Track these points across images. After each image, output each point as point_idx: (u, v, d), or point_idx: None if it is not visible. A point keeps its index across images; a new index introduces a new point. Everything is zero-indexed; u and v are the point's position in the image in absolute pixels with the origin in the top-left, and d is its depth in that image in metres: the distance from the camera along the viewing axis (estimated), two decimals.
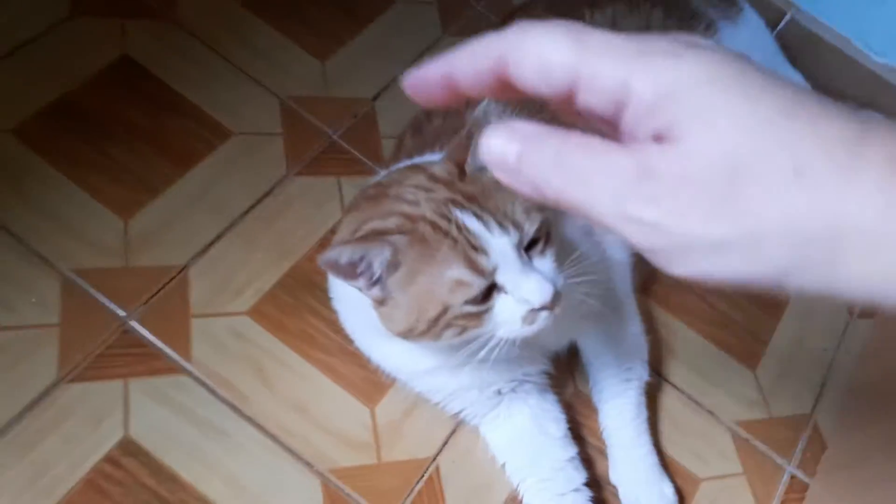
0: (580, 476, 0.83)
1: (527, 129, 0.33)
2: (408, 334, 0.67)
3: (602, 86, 0.30)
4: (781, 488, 0.95)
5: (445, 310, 0.63)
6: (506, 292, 0.64)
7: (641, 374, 0.90)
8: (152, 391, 0.80)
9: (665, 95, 0.29)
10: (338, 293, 0.83)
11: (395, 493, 0.82)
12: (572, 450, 0.84)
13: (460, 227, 0.62)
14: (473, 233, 0.62)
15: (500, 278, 0.63)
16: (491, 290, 0.64)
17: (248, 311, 0.87)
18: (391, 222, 0.64)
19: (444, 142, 0.80)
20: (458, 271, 0.62)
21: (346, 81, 1.07)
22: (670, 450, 0.93)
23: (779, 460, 0.97)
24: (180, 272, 0.87)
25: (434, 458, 0.85)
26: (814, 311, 1.09)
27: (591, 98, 0.31)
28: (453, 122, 0.84)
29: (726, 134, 0.28)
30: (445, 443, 0.86)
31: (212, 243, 0.90)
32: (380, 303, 0.67)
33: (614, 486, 0.87)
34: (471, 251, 0.62)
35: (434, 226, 0.63)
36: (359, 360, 0.86)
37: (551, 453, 0.83)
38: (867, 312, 1.11)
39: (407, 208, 0.65)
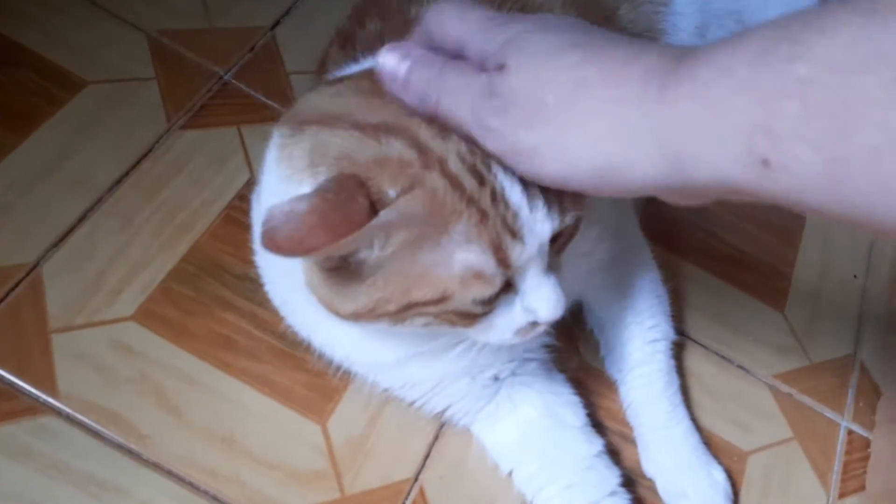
0: (613, 474, 0.63)
1: (417, 52, 0.43)
2: (362, 316, 0.46)
3: (475, 49, 0.41)
4: (840, 447, 0.77)
5: (442, 299, 0.43)
6: (514, 293, 0.46)
7: (667, 331, 0.70)
8: (4, 443, 0.55)
9: (505, 43, 0.39)
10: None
11: None
12: (598, 441, 0.64)
13: (497, 197, 0.42)
14: (513, 209, 0.43)
15: (518, 277, 0.45)
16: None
17: (135, 316, 0.63)
18: (387, 170, 0.41)
19: None
20: (479, 258, 0.42)
21: (233, 8, 0.83)
22: (705, 421, 0.73)
23: (830, 415, 0.78)
24: (29, 273, 0.62)
25: (416, 478, 0.63)
26: (833, 230, 0.92)
27: (469, 54, 0.42)
28: (393, 22, 0.62)
29: (533, 67, 0.38)
30: (428, 455, 0.64)
31: (72, 229, 0.65)
32: (330, 269, 0.45)
33: (650, 479, 0.67)
34: (506, 235, 0.43)
35: (454, 183, 0.41)
36: (297, 361, 0.63)
37: (573, 450, 0.62)
38: None
39: (414, 131, 0.42)
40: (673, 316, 0.74)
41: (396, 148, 0.42)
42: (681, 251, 0.83)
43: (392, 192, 0.41)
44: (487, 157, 0.42)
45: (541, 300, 0.46)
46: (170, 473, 0.57)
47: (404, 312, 0.45)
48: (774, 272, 0.86)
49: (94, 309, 0.62)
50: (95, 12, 0.77)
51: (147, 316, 0.63)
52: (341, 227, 0.39)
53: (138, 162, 0.69)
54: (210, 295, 0.65)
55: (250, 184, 0.71)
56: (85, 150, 0.69)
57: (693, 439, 0.68)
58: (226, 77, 0.78)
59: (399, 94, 0.43)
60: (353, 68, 0.54)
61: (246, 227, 0.65)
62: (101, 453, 0.57)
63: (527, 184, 0.43)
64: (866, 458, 0.77)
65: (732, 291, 0.83)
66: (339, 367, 0.61)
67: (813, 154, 0.29)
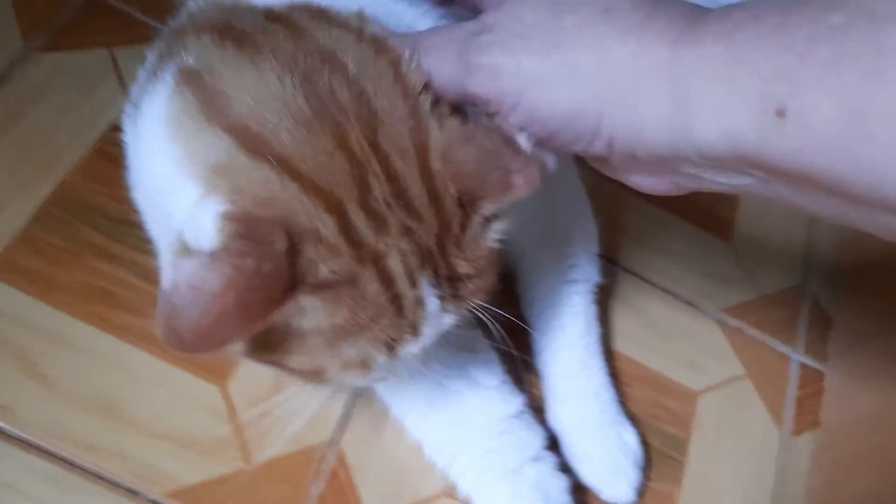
0: (536, 436, 0.55)
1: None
2: None
3: None
4: (793, 382, 0.72)
5: (315, 372, 0.39)
6: None
7: (590, 273, 0.62)
8: None
9: None
10: (140, 178, 0.48)
11: None
12: (517, 400, 0.55)
13: (418, 303, 0.37)
14: (426, 312, 0.38)
15: None
16: None
17: None
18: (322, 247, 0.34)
19: None
20: (374, 353, 0.38)
21: None
22: (653, 362, 0.67)
23: (782, 348, 0.73)
24: None
25: (333, 442, 0.55)
26: None
27: None
28: None
29: None
30: (348, 415, 0.57)
31: None
32: None
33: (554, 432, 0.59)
34: (407, 333, 0.38)
35: (385, 278, 0.36)
36: None
37: (488, 412, 0.54)
38: None
39: (351, 218, 0.35)
40: (612, 251, 0.68)
41: (328, 227, 0.33)
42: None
43: (325, 270, 0.34)
44: (427, 253, 0.37)
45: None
46: (38, 449, 0.49)
47: (268, 363, 0.38)
48: (719, 199, 0.80)
49: None
50: None
51: (5, 268, 0.53)
52: (258, 311, 0.32)
53: None
54: (81, 242, 0.56)
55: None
56: None
57: (606, 395, 0.60)
58: None
59: None
60: None
61: (123, 163, 0.56)
62: None
63: (448, 294, 0.38)
64: (820, 393, 0.72)
65: (675, 221, 0.77)
66: None
67: (834, 105, 0.28)
